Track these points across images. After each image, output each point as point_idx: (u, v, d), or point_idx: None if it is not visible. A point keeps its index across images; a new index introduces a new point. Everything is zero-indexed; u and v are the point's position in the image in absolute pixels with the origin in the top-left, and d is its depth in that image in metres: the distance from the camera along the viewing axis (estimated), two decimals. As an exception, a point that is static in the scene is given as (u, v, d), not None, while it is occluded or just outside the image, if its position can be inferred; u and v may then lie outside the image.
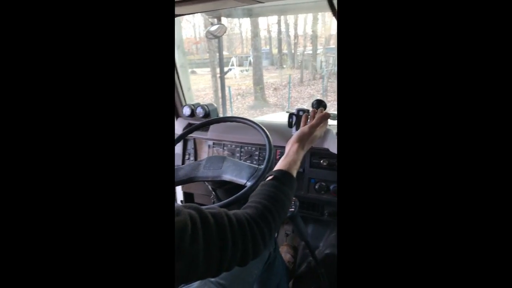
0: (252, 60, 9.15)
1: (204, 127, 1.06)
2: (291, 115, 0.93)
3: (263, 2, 0.86)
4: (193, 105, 1.20)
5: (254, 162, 1.06)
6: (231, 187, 0.93)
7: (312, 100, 1.00)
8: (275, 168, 0.62)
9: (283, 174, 0.58)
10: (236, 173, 0.84)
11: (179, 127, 1.22)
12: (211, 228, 0.43)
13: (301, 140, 0.69)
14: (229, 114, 5.47)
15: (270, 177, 0.59)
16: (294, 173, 0.62)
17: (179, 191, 1.31)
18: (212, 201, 1.04)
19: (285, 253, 1.21)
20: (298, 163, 0.64)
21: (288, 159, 0.63)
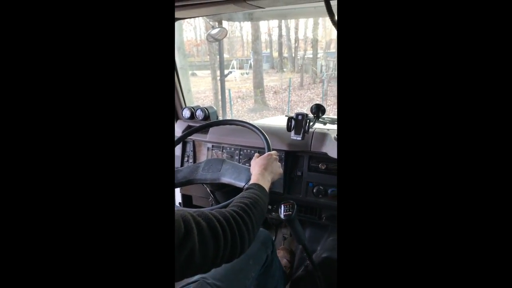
0: (252, 63, 9.17)
1: (203, 129, 1.06)
2: (290, 119, 0.94)
3: (263, 8, 0.87)
4: (193, 107, 1.21)
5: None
6: (229, 190, 0.93)
7: (311, 105, 1.01)
8: (250, 182, 0.71)
9: (259, 185, 0.68)
10: (235, 176, 0.84)
11: (178, 129, 1.23)
12: (202, 224, 0.48)
13: (261, 165, 0.76)
14: (229, 116, 5.48)
15: (247, 188, 0.68)
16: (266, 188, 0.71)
17: (177, 193, 1.32)
18: (211, 203, 1.05)
19: (282, 257, 1.21)
20: (266, 182, 0.72)
21: (254, 178, 0.72)
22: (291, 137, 0.94)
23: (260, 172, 0.73)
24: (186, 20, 1.16)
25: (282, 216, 0.77)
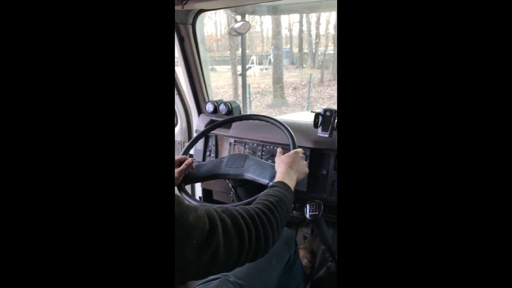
0: (272, 59, 9.10)
1: (226, 124, 1.05)
2: (317, 115, 0.90)
3: (294, -3, 0.84)
4: (216, 101, 1.20)
5: (276, 162, 1.04)
6: (251, 186, 0.91)
7: (331, 102, 0.97)
8: (275, 180, 0.68)
9: (284, 184, 0.65)
10: (259, 173, 0.82)
11: (201, 123, 1.22)
12: (227, 221, 0.46)
13: (287, 163, 0.73)
14: (248, 112, 5.47)
15: (272, 185, 0.65)
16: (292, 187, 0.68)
17: (198, 188, 1.32)
18: (232, 199, 1.03)
19: (302, 257, 1.19)
20: (292, 181, 0.69)
21: (280, 176, 0.69)
22: (318, 134, 0.90)
23: (286, 170, 0.70)
24: (207, 14, 1.14)
25: (308, 216, 0.74)
